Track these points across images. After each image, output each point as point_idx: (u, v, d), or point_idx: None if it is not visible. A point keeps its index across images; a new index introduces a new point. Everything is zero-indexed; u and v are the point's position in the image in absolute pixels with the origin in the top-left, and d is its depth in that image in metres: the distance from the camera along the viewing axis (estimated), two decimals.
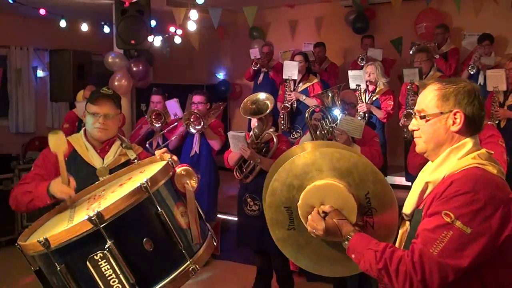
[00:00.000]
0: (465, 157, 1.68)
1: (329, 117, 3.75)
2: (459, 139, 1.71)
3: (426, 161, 3.31)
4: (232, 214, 5.65)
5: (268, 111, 3.86)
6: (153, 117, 5.37)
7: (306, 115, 3.86)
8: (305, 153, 1.95)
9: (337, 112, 3.76)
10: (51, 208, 2.27)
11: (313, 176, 1.91)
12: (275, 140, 3.84)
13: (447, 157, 1.71)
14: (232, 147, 4.04)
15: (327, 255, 1.96)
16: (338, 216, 1.84)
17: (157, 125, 5.36)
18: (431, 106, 1.73)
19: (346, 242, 1.78)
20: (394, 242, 1.87)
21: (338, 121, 3.69)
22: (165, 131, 5.27)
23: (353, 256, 1.74)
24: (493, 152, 1.74)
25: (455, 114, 1.69)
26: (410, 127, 1.81)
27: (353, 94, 4.45)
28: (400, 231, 1.84)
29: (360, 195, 1.88)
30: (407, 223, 1.81)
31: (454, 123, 1.70)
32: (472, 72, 6.08)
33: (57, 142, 2.21)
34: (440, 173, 1.70)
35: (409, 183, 5.80)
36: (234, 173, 4.09)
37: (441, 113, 1.70)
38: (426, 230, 1.58)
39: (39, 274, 1.90)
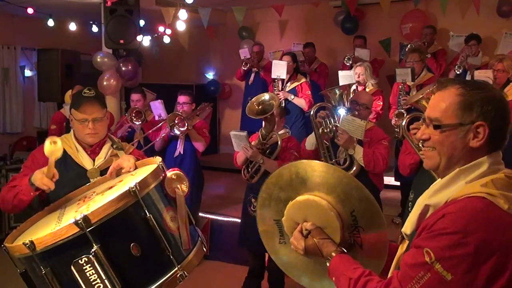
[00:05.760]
0: (475, 182, 1.41)
1: (334, 115, 3.73)
2: (475, 157, 1.44)
3: (416, 161, 3.31)
4: (221, 214, 5.66)
5: (272, 111, 3.77)
6: (133, 115, 5.36)
7: (312, 112, 3.84)
8: (292, 164, 1.83)
9: (342, 111, 3.74)
10: (40, 209, 2.25)
11: (299, 190, 1.80)
12: (279, 142, 3.82)
13: (455, 179, 1.45)
14: (235, 147, 4.01)
15: (318, 272, 1.84)
16: (319, 235, 1.70)
17: (137, 123, 5.36)
18: (449, 114, 1.44)
19: (327, 264, 1.65)
20: (389, 263, 1.71)
21: (340, 120, 3.68)
22: (150, 132, 5.26)
23: (333, 279, 1.60)
24: None
25: (477, 127, 1.41)
26: (419, 136, 1.54)
27: (368, 95, 4.25)
28: (399, 251, 1.63)
29: (346, 212, 1.73)
30: (407, 242, 1.61)
31: (475, 137, 1.42)
32: (458, 72, 6.11)
33: (52, 149, 2.16)
34: (443, 197, 1.44)
35: (398, 183, 5.85)
36: (242, 172, 4.07)
37: (461, 124, 1.42)
38: (406, 265, 1.39)
39: (25, 276, 1.88)
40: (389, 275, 1.58)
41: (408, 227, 1.57)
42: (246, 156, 3.88)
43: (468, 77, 6.06)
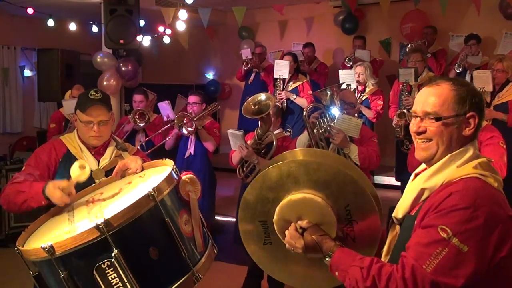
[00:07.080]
0: (466, 165, 1.58)
1: (327, 115, 3.76)
2: (463, 145, 1.62)
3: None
4: (224, 215, 5.66)
5: (268, 111, 3.78)
6: (137, 116, 5.36)
7: (304, 113, 3.84)
8: (280, 163, 1.83)
9: (335, 111, 3.77)
10: (45, 210, 2.23)
11: (289, 189, 1.80)
12: (274, 142, 3.83)
13: (447, 164, 1.61)
14: (232, 145, 4.03)
15: (306, 269, 1.86)
16: (317, 231, 1.74)
17: (141, 125, 5.36)
18: (446, 107, 1.61)
19: (327, 259, 1.69)
20: (378, 250, 1.81)
21: (335, 120, 3.71)
22: (154, 135, 5.26)
23: (336, 273, 1.64)
24: (493, 160, 1.65)
25: (469, 117, 1.61)
26: (415, 129, 1.67)
27: (352, 94, 4.37)
28: (390, 236, 1.75)
29: (340, 207, 1.77)
30: (397, 227, 1.72)
31: (467, 126, 1.61)
32: (458, 71, 6.12)
33: (79, 174, 2.15)
34: (438, 180, 1.60)
35: (398, 183, 5.88)
36: (237, 171, 4.08)
37: (457, 115, 1.60)
38: (419, 244, 1.48)
39: (38, 279, 1.88)
40: (383, 258, 1.71)
41: (399, 211, 1.69)
42: (241, 155, 3.90)
43: (467, 76, 6.10)
